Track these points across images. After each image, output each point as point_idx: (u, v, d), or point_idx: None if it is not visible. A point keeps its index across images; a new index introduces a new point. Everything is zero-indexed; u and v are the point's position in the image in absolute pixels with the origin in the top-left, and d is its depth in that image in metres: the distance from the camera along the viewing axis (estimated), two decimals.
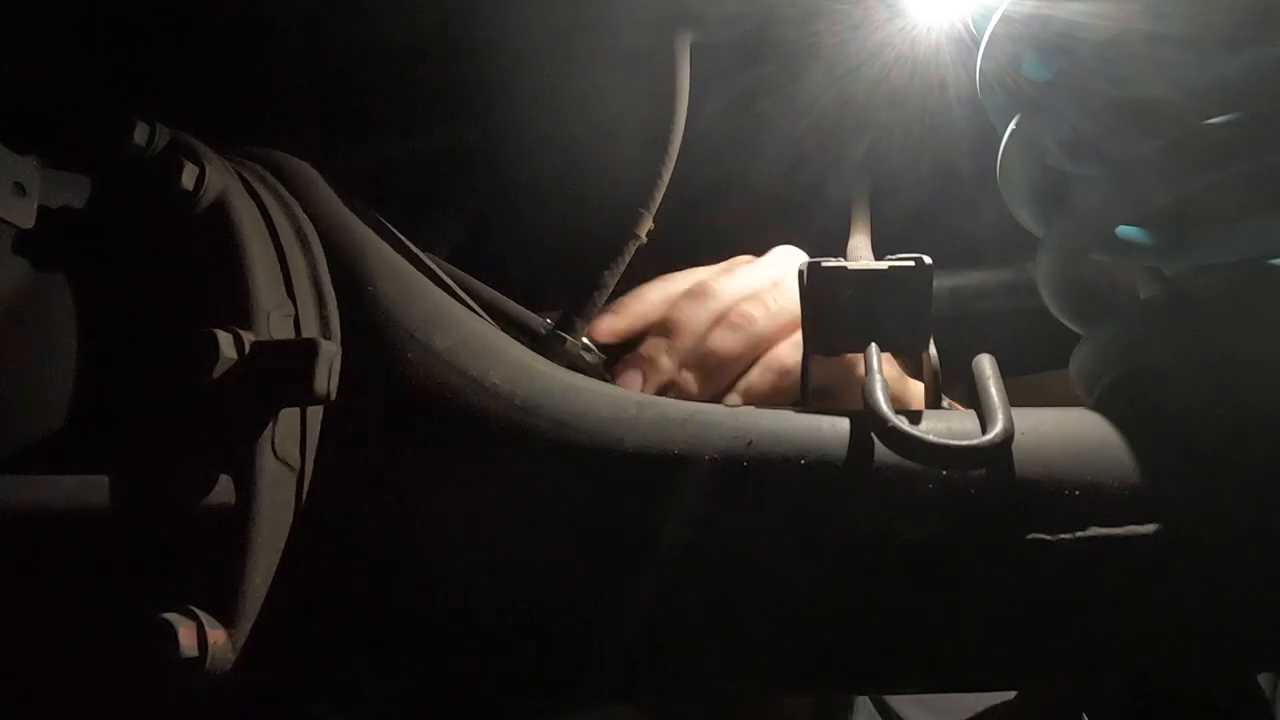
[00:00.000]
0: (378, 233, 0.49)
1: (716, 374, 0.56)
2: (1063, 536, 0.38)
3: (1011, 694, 0.62)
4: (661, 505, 0.40)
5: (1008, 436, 0.38)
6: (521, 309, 0.57)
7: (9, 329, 0.43)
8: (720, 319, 0.58)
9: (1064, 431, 0.41)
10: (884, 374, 0.41)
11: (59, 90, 0.61)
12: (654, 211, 0.58)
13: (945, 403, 0.48)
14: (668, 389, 0.56)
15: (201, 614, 0.39)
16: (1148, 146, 0.41)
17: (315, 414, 0.43)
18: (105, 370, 0.44)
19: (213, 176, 0.46)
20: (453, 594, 0.42)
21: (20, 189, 0.44)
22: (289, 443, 0.42)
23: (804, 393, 0.48)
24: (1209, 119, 0.39)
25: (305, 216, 0.48)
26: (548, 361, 0.47)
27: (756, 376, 0.57)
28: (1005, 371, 0.43)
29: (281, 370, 0.42)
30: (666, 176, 0.57)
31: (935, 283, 0.45)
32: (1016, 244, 0.61)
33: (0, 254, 0.44)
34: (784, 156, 0.69)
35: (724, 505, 0.40)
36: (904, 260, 0.45)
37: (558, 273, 0.74)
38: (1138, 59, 0.41)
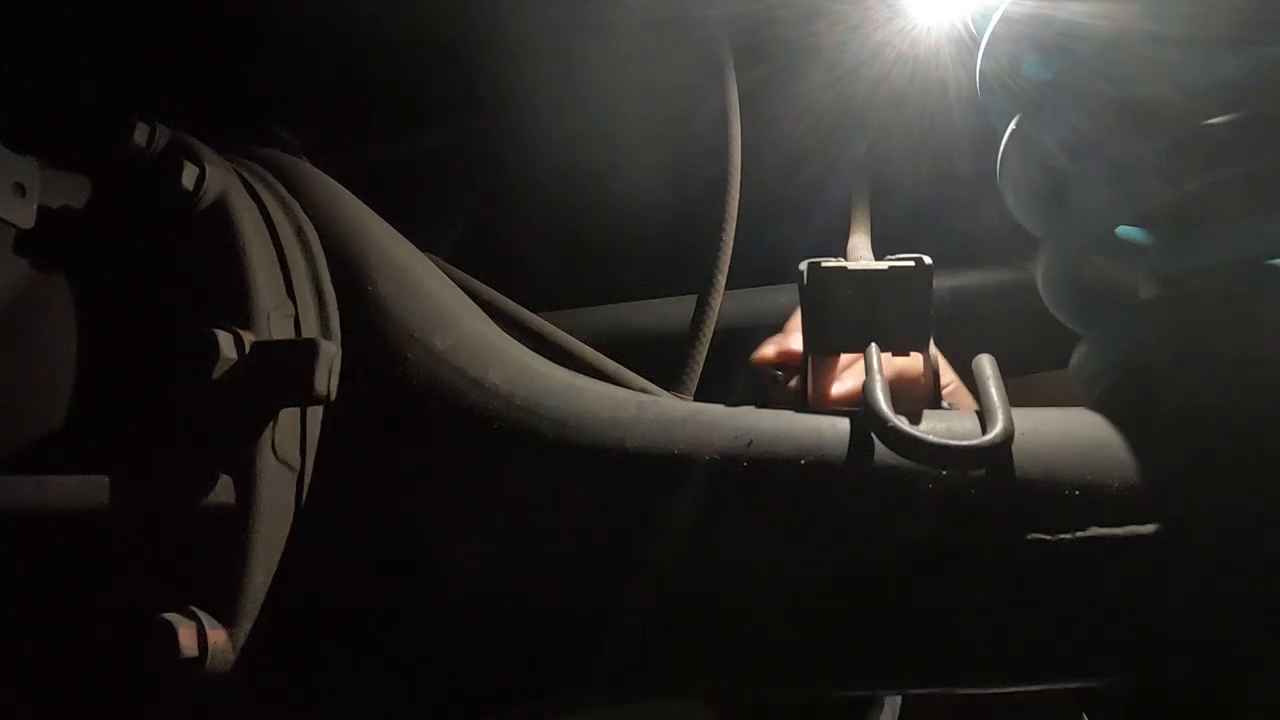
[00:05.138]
0: (378, 233, 0.49)
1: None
2: (1063, 536, 0.38)
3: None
4: (661, 505, 0.40)
5: (1008, 436, 0.38)
6: (521, 309, 0.57)
7: (9, 329, 0.43)
8: None
9: (1064, 431, 0.41)
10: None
11: (59, 90, 0.61)
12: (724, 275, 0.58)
13: (945, 403, 0.48)
14: None
15: (202, 614, 0.39)
16: (1148, 146, 0.41)
17: (315, 414, 0.43)
18: (105, 370, 0.44)
19: (213, 176, 0.46)
20: (452, 594, 0.42)
21: (20, 189, 0.44)
22: (289, 443, 0.42)
23: (804, 393, 0.48)
24: (1209, 119, 0.39)
25: (305, 216, 0.48)
26: (547, 362, 0.47)
27: None
28: (1005, 371, 0.43)
29: (281, 370, 0.42)
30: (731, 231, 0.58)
31: (935, 283, 0.45)
32: (1016, 244, 0.61)
33: (0, 254, 0.44)
34: (784, 156, 0.69)
35: (724, 505, 0.40)
36: (904, 260, 0.45)
37: (558, 273, 0.75)
38: (1138, 59, 0.41)
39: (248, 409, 0.41)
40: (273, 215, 0.47)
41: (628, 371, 0.54)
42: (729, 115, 0.61)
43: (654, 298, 0.73)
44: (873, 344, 0.43)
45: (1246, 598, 0.38)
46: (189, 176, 0.45)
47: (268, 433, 0.41)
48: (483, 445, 0.42)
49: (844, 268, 0.45)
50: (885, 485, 0.39)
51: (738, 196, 0.61)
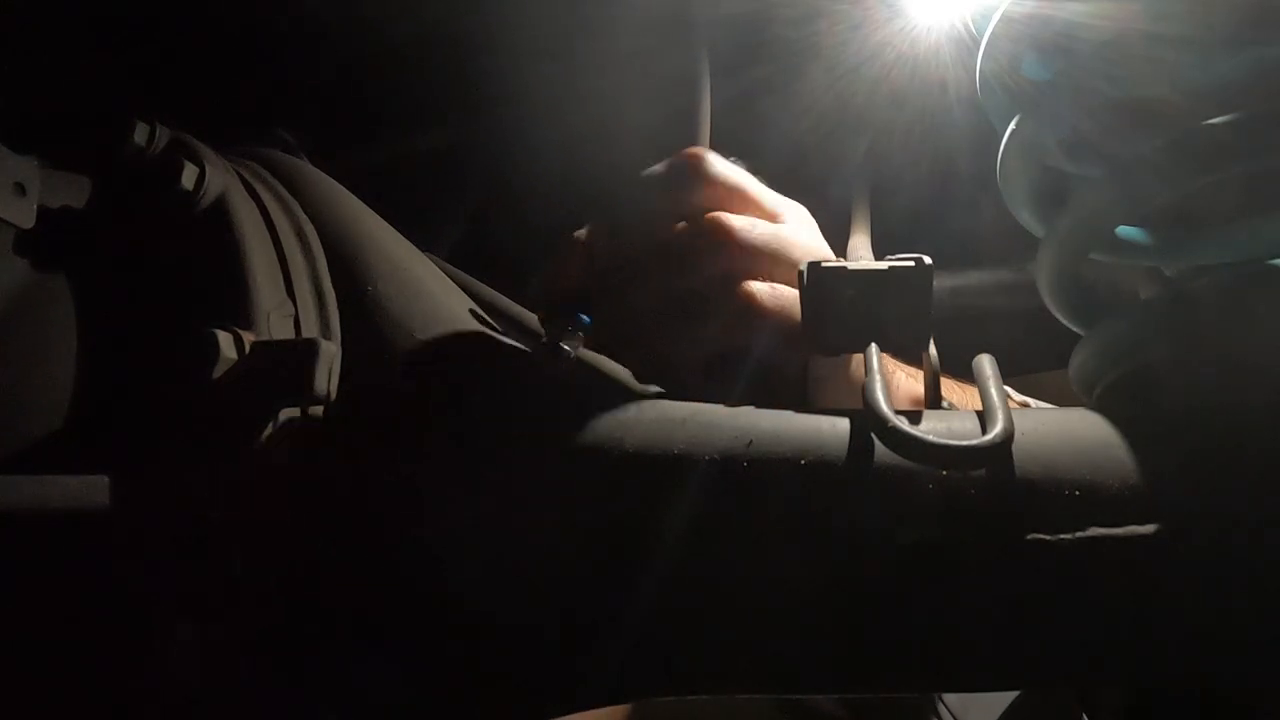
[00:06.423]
0: (378, 233, 0.49)
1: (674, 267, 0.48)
2: (1063, 536, 0.38)
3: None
4: (661, 505, 0.40)
5: (1008, 436, 0.38)
6: (522, 309, 0.57)
7: (9, 329, 0.43)
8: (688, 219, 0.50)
9: (1064, 431, 0.41)
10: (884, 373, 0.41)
11: (59, 90, 0.61)
12: None
13: (945, 403, 0.48)
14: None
15: (202, 614, 0.39)
16: (1148, 146, 0.41)
17: (315, 414, 0.43)
18: (105, 370, 0.44)
19: (213, 176, 0.46)
20: (452, 595, 0.42)
21: (20, 189, 0.44)
22: (289, 443, 0.42)
23: (804, 392, 0.48)
24: (1209, 119, 0.39)
25: (305, 216, 0.48)
26: None
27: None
28: (1005, 371, 0.43)
29: (281, 370, 0.42)
30: None
31: (935, 283, 0.45)
32: (1016, 244, 0.61)
33: (0, 254, 0.44)
34: (784, 156, 0.69)
35: (724, 505, 0.40)
36: (904, 260, 0.45)
37: None
38: (1138, 59, 0.41)
39: (248, 409, 0.41)
40: (273, 215, 0.47)
41: (627, 371, 0.54)
42: (698, 124, 0.61)
43: None
44: (873, 344, 0.43)
45: (1247, 597, 0.38)
46: (189, 176, 0.45)
47: (267, 433, 0.41)
48: (482, 445, 0.42)
49: (844, 268, 0.45)
50: (885, 485, 0.39)
51: None
